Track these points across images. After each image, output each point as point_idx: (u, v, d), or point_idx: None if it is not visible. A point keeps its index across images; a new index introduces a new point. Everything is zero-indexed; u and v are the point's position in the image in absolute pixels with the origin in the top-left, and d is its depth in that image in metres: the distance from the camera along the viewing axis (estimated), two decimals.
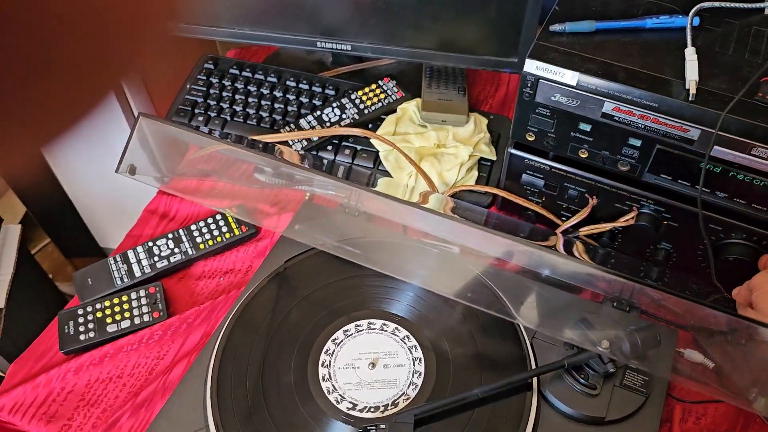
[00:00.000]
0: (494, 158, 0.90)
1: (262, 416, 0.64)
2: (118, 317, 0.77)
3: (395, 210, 0.85)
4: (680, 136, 0.64)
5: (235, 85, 0.98)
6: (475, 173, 0.89)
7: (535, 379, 0.66)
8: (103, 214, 1.31)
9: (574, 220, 0.78)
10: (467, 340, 0.70)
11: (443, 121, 0.92)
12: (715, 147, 0.63)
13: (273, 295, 0.73)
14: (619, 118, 0.66)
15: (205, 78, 0.99)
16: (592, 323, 0.67)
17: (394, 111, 0.95)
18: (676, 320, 0.73)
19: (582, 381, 0.65)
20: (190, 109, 0.96)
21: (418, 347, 0.68)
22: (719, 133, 0.61)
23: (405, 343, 0.69)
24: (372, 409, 0.64)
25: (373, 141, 0.91)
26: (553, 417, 0.65)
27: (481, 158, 0.90)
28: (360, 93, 0.97)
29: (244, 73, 0.99)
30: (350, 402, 0.65)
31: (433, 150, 0.90)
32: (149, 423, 0.70)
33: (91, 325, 0.76)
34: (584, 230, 0.78)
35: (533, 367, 0.68)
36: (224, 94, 0.97)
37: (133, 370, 0.74)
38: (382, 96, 0.97)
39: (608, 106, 0.66)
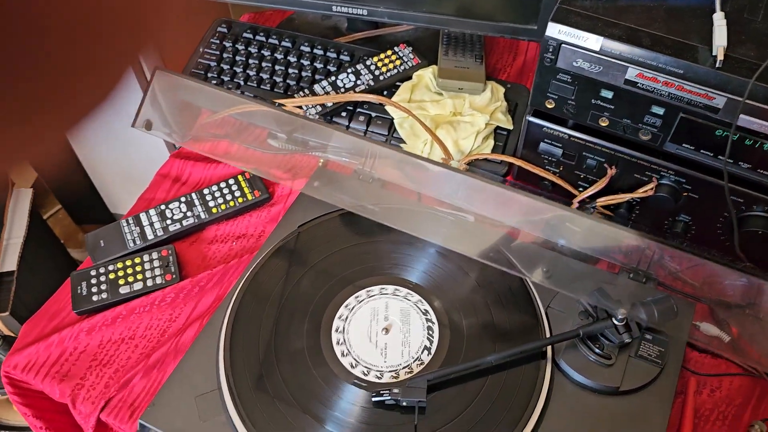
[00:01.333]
0: (511, 127, 0.89)
1: (274, 379, 0.64)
2: (130, 279, 0.76)
3: (410, 177, 0.85)
4: (705, 104, 0.63)
5: (249, 49, 0.96)
6: (491, 142, 0.87)
7: (549, 348, 0.66)
8: (115, 180, 1.31)
9: (591, 190, 0.77)
10: (481, 308, 0.69)
11: (460, 89, 0.90)
12: (741, 116, 0.61)
13: (285, 261, 0.73)
14: (643, 84, 0.64)
15: (218, 42, 0.97)
16: (609, 293, 0.66)
17: (410, 78, 0.94)
18: (694, 293, 0.72)
19: (597, 351, 0.65)
20: (203, 72, 0.95)
21: (432, 313, 0.68)
22: (747, 101, 0.60)
23: (418, 308, 0.68)
24: (385, 374, 0.64)
25: (387, 108, 0.90)
26: (567, 386, 0.65)
27: (498, 127, 0.89)
28: (375, 59, 0.96)
29: (257, 38, 0.98)
30: (364, 367, 0.64)
31: (449, 118, 0.89)
32: (161, 383, 0.70)
33: (103, 286, 0.76)
34: (601, 201, 0.77)
35: (547, 336, 0.67)
36: (237, 58, 0.96)
37: (145, 332, 0.74)
38: (398, 62, 0.95)
39: (632, 72, 0.64)
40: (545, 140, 0.78)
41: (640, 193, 0.75)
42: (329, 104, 0.89)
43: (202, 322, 0.74)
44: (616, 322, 0.64)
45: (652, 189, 0.74)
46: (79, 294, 0.75)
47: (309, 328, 0.67)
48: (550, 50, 0.67)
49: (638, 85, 0.65)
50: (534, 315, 0.68)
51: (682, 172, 0.71)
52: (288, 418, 0.61)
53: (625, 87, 0.66)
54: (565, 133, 0.75)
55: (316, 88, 0.92)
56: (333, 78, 0.93)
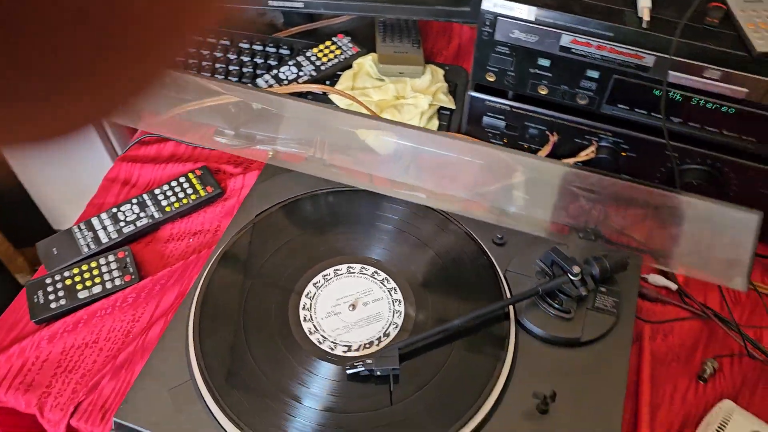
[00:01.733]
0: (453, 107, 0.91)
1: (246, 364, 0.64)
2: (88, 283, 0.75)
3: (361, 162, 0.86)
4: (636, 64, 0.67)
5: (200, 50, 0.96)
6: (435, 122, 0.90)
7: (511, 309, 0.68)
8: (57, 195, 1.27)
9: (543, 152, 0.80)
10: (443, 278, 0.71)
11: (400, 73, 0.93)
12: (670, 72, 0.66)
13: (246, 250, 0.73)
14: (577, 50, 0.68)
15: None
16: (563, 252, 0.69)
17: (350, 67, 0.96)
18: (639, 247, 0.76)
19: (556, 306, 0.68)
20: None
21: (397, 289, 0.70)
22: (674, 58, 0.64)
23: (383, 285, 0.70)
24: (355, 349, 0.65)
25: (331, 96, 0.91)
26: (532, 343, 0.67)
27: (441, 108, 0.91)
28: (315, 50, 0.97)
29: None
30: (333, 342, 0.65)
31: (392, 102, 0.91)
32: (131, 383, 0.69)
33: (61, 293, 0.74)
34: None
35: (508, 297, 0.70)
36: None
37: (109, 334, 0.73)
38: (338, 52, 0.97)
39: (566, 39, 0.68)
40: (488, 114, 0.81)
41: (582, 157, 0.79)
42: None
43: (167, 318, 0.74)
44: (572, 278, 0.67)
45: (593, 152, 0.78)
46: (36, 303, 0.74)
47: (276, 309, 0.68)
48: (487, 24, 0.70)
49: (572, 50, 0.68)
50: (494, 279, 0.71)
51: (618, 132, 0.75)
52: (265, 400, 0.62)
53: (560, 54, 0.69)
54: (506, 105, 0.78)
55: (259, 81, 0.93)
56: (275, 71, 0.94)
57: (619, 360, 0.66)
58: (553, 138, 0.79)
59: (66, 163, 1.14)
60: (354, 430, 0.60)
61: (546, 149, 0.80)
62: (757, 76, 0.63)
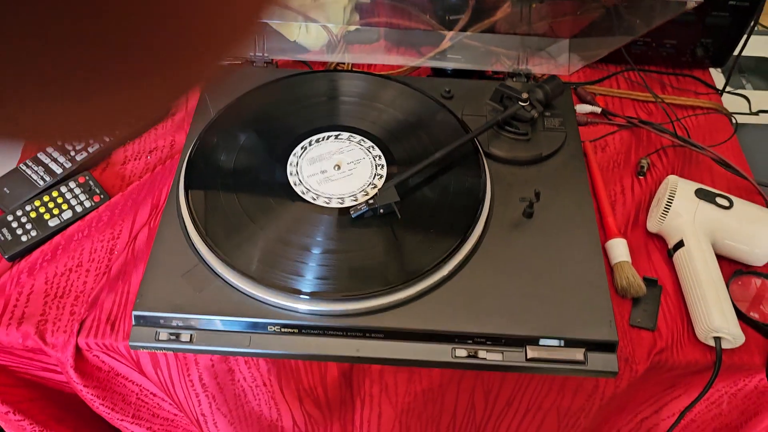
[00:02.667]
0: (368, 0, 0.96)
1: (251, 232, 0.66)
2: (56, 211, 0.72)
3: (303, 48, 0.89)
4: None
5: None
6: (356, 15, 0.94)
7: (477, 142, 0.75)
8: None
9: (461, 24, 0.88)
10: (411, 132, 0.76)
11: None
12: None
13: (222, 135, 0.74)
14: None
15: None
16: (508, 85, 0.77)
17: None
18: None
19: (514, 131, 0.75)
20: None
21: (374, 146, 0.74)
22: None
23: (361, 145, 0.74)
24: (347, 200, 0.69)
25: None
26: (503, 168, 0.74)
27: (357, 2, 0.96)
28: None
29: None
30: (327, 197, 0.69)
31: (313, 4, 0.94)
32: (130, 293, 0.69)
33: (29, 226, 0.71)
34: (473, 29, 0.88)
35: None
36: None
37: (92, 255, 0.71)
38: None
39: None
40: None
41: (500, 15, 0.87)
42: None
43: (150, 226, 0.73)
44: (522, 104, 0.75)
45: (507, 8, 0.86)
46: (4, 240, 0.70)
47: (266, 177, 0.70)
48: None
49: None
50: (455, 124, 0.77)
51: None
52: (281, 258, 0.64)
53: None
54: None
55: None
56: None
57: (576, 165, 0.75)
58: (472, 2, 0.86)
59: None
60: (366, 265, 0.64)
61: (468, 14, 0.87)
62: None
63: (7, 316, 0.67)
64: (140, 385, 0.73)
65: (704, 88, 0.91)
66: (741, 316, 0.68)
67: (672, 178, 0.74)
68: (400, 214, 0.67)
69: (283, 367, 0.69)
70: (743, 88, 1.07)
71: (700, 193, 0.71)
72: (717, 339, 0.65)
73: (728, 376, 0.72)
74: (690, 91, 0.91)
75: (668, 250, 0.73)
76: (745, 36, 0.85)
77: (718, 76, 0.96)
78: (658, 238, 0.75)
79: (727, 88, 0.96)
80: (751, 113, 0.97)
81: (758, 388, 0.71)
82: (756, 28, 1.22)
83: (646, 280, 0.71)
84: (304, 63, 0.90)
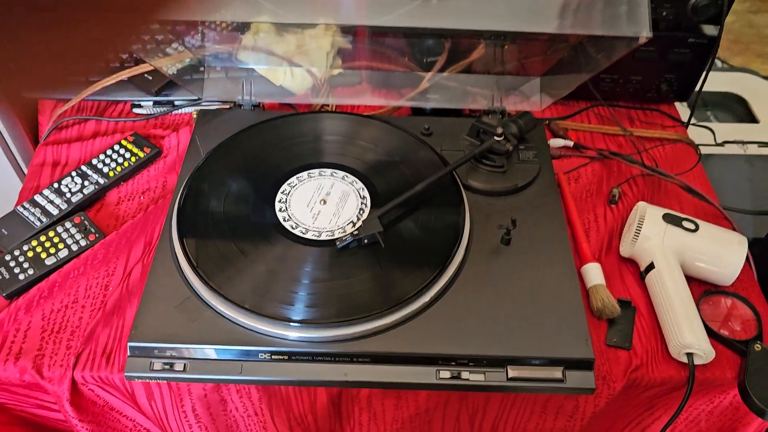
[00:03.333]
0: (350, 46, 1.01)
1: (242, 265, 0.69)
2: (52, 250, 0.75)
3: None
4: None
5: None
6: (339, 60, 1.00)
7: (457, 177, 0.79)
8: None
9: (438, 66, 0.93)
10: (394, 167, 0.80)
11: (297, 25, 1.01)
12: None
13: (209, 176, 0.77)
14: None
15: None
16: (484, 121, 0.81)
17: (248, 29, 1.02)
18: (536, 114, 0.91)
19: (491, 164, 0.80)
20: None
21: (357, 180, 0.77)
22: None
23: (345, 180, 0.78)
24: (339, 229, 0.72)
25: (240, 56, 0.98)
26: (481, 199, 0.78)
27: (340, 48, 1.01)
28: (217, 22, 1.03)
29: None
30: (317, 231, 0.72)
31: (297, 51, 0.99)
32: (125, 327, 0.71)
33: (26, 265, 0.74)
34: (450, 70, 0.93)
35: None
36: None
37: (87, 292, 0.74)
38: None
39: None
40: None
41: (474, 56, 0.92)
42: (187, 61, 0.95)
43: (144, 263, 0.76)
44: (497, 138, 0.79)
45: (482, 48, 0.91)
46: (2, 279, 0.72)
47: (255, 212, 0.73)
48: None
49: None
50: (435, 159, 0.81)
51: (500, 31, 0.89)
52: (270, 288, 0.67)
53: None
54: (402, 27, 0.90)
55: (169, 50, 0.97)
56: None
57: (551, 195, 0.79)
58: (447, 44, 0.91)
59: None
60: (353, 293, 0.67)
61: (444, 56, 0.92)
62: None
63: (4, 352, 0.69)
64: (134, 420, 0.75)
65: (670, 121, 0.96)
66: (711, 333, 0.71)
67: (641, 205, 0.78)
68: (384, 244, 0.71)
69: (274, 395, 0.71)
70: (709, 121, 1.13)
71: (668, 218, 0.75)
72: (689, 355, 0.68)
73: (704, 394, 0.74)
74: (657, 124, 0.96)
75: (640, 272, 0.77)
76: (705, 72, 0.90)
77: (684, 110, 1.01)
78: (631, 262, 0.79)
79: (693, 121, 1.02)
80: (717, 144, 1.03)
81: (733, 404, 0.74)
82: (721, 66, 1.29)
83: (620, 301, 0.74)
84: (290, 106, 0.94)
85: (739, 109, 1.16)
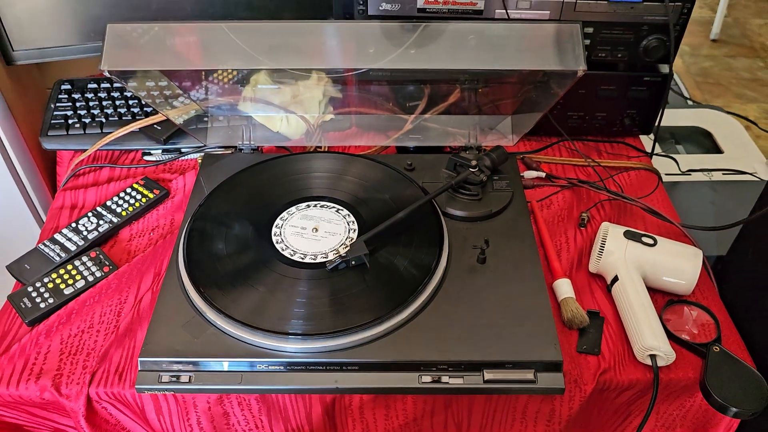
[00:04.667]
0: (341, 95, 1.11)
1: (239, 284, 0.76)
2: (70, 281, 0.83)
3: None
4: (473, 10, 0.91)
5: (99, 95, 1.08)
6: (330, 107, 1.09)
7: (436, 206, 0.87)
8: None
9: (419, 109, 1.02)
10: (379, 198, 0.88)
11: (291, 77, 1.12)
12: (497, 10, 0.91)
13: (213, 210, 0.85)
14: (430, 9, 0.92)
15: (67, 96, 1.08)
16: (460, 155, 0.90)
17: (248, 82, 1.13)
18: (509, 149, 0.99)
19: (467, 193, 0.88)
20: (63, 121, 1.04)
21: (345, 210, 0.86)
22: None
23: (334, 210, 0.86)
24: (327, 254, 0.80)
25: (240, 107, 1.08)
26: (459, 224, 0.86)
27: (331, 97, 1.11)
28: (216, 75, 1.13)
29: (102, 86, 1.10)
30: (313, 255, 0.80)
31: (292, 100, 1.09)
32: (136, 347, 0.78)
33: (46, 294, 0.81)
34: (430, 112, 1.02)
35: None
36: (91, 104, 1.07)
37: (102, 318, 0.81)
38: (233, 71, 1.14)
39: (420, 1, 0.91)
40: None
41: (452, 99, 1.01)
42: (192, 111, 1.04)
43: (153, 290, 0.83)
44: (472, 170, 0.88)
45: (458, 92, 1.01)
46: (25, 308, 0.80)
47: (254, 241, 0.81)
48: (361, 3, 0.92)
49: (427, 10, 0.92)
50: (416, 190, 0.89)
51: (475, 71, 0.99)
52: (268, 306, 0.74)
53: (419, 14, 0.92)
54: (387, 70, 0.99)
55: (176, 102, 1.06)
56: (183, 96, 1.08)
57: (522, 219, 0.87)
58: (427, 90, 1.01)
59: None
60: (342, 309, 0.74)
61: (424, 100, 1.01)
62: None
63: (26, 373, 0.75)
64: None
65: (635, 152, 1.05)
66: (673, 337, 0.78)
67: (604, 224, 0.86)
68: (370, 265, 0.78)
69: (272, 406, 0.77)
70: (677, 152, 1.21)
71: (628, 234, 0.83)
72: (652, 357, 0.75)
73: (674, 399, 0.80)
74: (623, 155, 1.05)
75: (607, 285, 0.83)
76: (661, 106, 0.99)
77: (650, 143, 1.10)
78: (599, 278, 0.86)
79: (657, 151, 1.10)
80: (682, 173, 1.11)
81: (702, 406, 0.80)
82: (690, 103, 1.39)
83: (589, 312, 0.80)
84: (286, 149, 1.03)
85: (705, 142, 1.24)
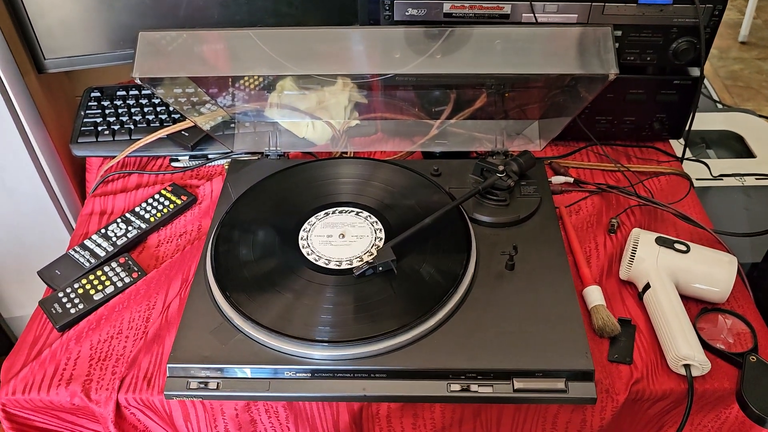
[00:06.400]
0: (366, 101, 1.11)
1: (267, 291, 0.76)
2: (100, 287, 0.83)
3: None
4: (499, 14, 0.91)
5: (127, 102, 1.09)
6: (356, 113, 1.09)
7: (463, 211, 0.86)
8: (6, 277, 1.28)
9: (445, 114, 1.01)
10: (406, 204, 0.88)
11: (318, 84, 1.12)
12: (524, 14, 0.90)
13: (239, 216, 0.86)
14: (456, 14, 0.91)
15: (96, 104, 1.09)
16: (487, 159, 0.89)
17: (274, 88, 1.13)
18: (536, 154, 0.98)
19: (495, 199, 0.87)
20: (93, 128, 1.05)
21: (373, 216, 0.85)
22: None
23: (362, 217, 0.85)
24: (353, 261, 0.79)
25: (266, 113, 1.08)
26: (487, 230, 0.85)
27: (356, 102, 1.11)
28: (242, 81, 1.14)
29: (131, 93, 1.11)
30: (338, 261, 0.79)
31: (317, 106, 1.09)
32: (164, 353, 0.78)
33: (76, 300, 0.82)
34: (456, 117, 1.01)
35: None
36: (120, 111, 1.08)
37: (131, 324, 0.81)
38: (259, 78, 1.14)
39: (446, 6, 0.90)
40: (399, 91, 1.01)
41: (478, 104, 1.01)
42: (219, 119, 1.05)
43: (181, 296, 0.83)
44: (499, 175, 0.87)
45: (484, 99, 1.00)
46: (56, 313, 0.81)
47: (281, 247, 0.81)
48: (387, 8, 0.91)
49: (453, 15, 0.91)
50: (443, 196, 0.88)
51: (501, 75, 0.98)
52: (295, 312, 0.74)
53: (445, 19, 0.92)
54: (412, 75, 0.99)
55: (203, 109, 1.07)
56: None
57: (551, 225, 0.86)
58: (453, 95, 1.00)
59: (19, 241, 1.18)
60: (370, 315, 0.74)
61: (450, 106, 1.01)
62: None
63: (57, 378, 0.76)
64: None
65: (665, 156, 1.03)
66: (708, 347, 0.76)
67: (635, 231, 0.84)
68: (397, 271, 0.78)
69: (299, 414, 0.76)
70: (708, 157, 1.19)
71: (660, 241, 0.81)
72: (686, 366, 0.73)
73: (710, 410, 0.78)
74: (653, 160, 1.03)
75: (638, 293, 0.82)
76: (692, 110, 0.97)
77: (680, 147, 1.08)
78: (630, 285, 0.84)
79: (690, 157, 1.08)
80: (713, 178, 1.09)
81: (738, 417, 0.77)
82: (721, 107, 1.36)
83: (620, 320, 0.79)
84: (312, 155, 1.03)
85: (737, 146, 1.22)
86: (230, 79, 0.98)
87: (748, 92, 2.48)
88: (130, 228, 0.91)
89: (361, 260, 0.79)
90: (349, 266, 0.79)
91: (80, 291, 0.83)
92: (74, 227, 1.14)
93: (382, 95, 1.06)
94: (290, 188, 0.91)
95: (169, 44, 0.79)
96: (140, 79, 0.73)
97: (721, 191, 1.07)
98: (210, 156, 1.04)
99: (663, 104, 0.99)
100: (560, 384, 0.70)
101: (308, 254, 0.81)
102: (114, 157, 1.03)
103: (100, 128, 1.05)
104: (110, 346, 0.79)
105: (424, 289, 0.77)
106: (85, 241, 0.89)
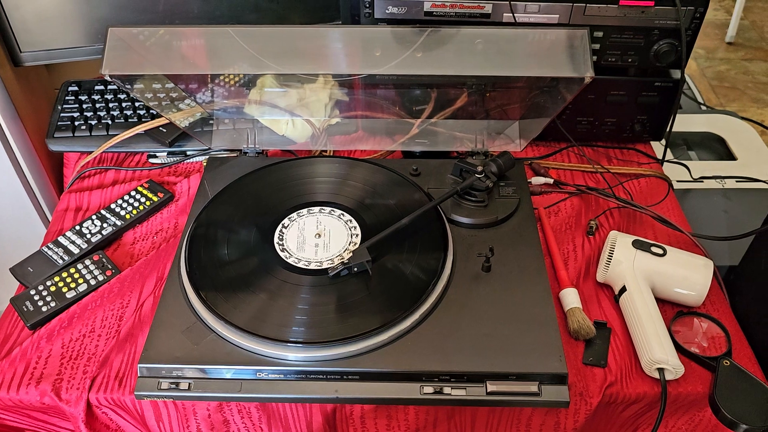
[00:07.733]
0: (347, 99, 1.10)
1: (240, 290, 0.75)
2: (72, 285, 0.82)
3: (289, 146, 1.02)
4: (480, 14, 0.90)
5: (105, 96, 1.08)
6: (337, 110, 1.08)
7: (441, 212, 0.85)
8: None
9: (426, 113, 1.01)
10: (383, 204, 0.87)
11: (298, 81, 1.11)
12: (505, 14, 0.89)
13: (215, 214, 0.85)
14: (437, 12, 0.90)
15: (74, 98, 1.07)
16: (466, 160, 0.89)
17: (254, 85, 1.12)
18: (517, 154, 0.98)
19: (473, 200, 0.86)
20: (69, 123, 1.04)
21: (348, 215, 0.85)
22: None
23: (337, 216, 0.85)
24: (327, 262, 0.79)
25: (246, 110, 1.07)
26: (465, 231, 0.85)
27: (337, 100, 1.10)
28: (221, 78, 1.13)
29: (109, 87, 1.10)
30: (319, 262, 0.79)
31: (298, 103, 1.08)
32: (137, 353, 0.77)
33: (48, 298, 0.81)
34: (437, 116, 1.01)
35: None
36: (97, 105, 1.07)
37: (103, 323, 0.80)
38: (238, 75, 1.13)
39: (427, 5, 0.90)
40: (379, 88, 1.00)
41: (459, 104, 1.00)
42: (198, 114, 1.04)
43: (155, 295, 0.82)
44: (478, 176, 0.86)
45: (465, 97, 0.99)
46: (27, 311, 0.80)
47: (256, 245, 0.80)
48: (367, 6, 0.90)
49: (434, 13, 0.90)
50: (421, 196, 0.88)
51: (482, 76, 0.97)
52: (269, 313, 0.73)
53: (426, 18, 0.91)
54: (392, 75, 0.98)
55: (181, 105, 1.06)
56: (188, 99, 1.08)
57: (529, 227, 0.85)
58: (434, 94, 1.00)
59: None
60: (344, 316, 0.73)
61: (430, 105, 1.00)
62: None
63: (27, 377, 0.75)
64: None
65: (645, 158, 1.03)
66: (682, 350, 0.76)
67: (612, 233, 0.84)
68: (373, 272, 0.77)
69: (273, 414, 0.76)
70: (690, 159, 1.19)
71: (637, 244, 0.81)
72: (660, 370, 0.73)
73: (684, 413, 0.78)
74: (633, 161, 1.03)
75: (615, 295, 0.82)
76: (673, 112, 0.97)
77: (661, 149, 1.08)
78: (607, 287, 0.84)
79: (670, 158, 1.08)
80: (694, 180, 1.09)
81: (712, 420, 0.78)
82: (701, 107, 1.36)
83: (596, 323, 0.79)
84: (292, 153, 1.03)
85: (718, 148, 1.22)
86: (209, 77, 0.96)
87: (733, 93, 2.49)
88: (105, 225, 0.90)
89: (338, 260, 0.79)
90: (326, 266, 0.78)
91: (53, 289, 0.82)
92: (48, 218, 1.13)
93: (363, 93, 1.05)
94: (268, 187, 0.90)
95: (145, 40, 0.78)
96: (110, 76, 0.72)
97: (702, 194, 1.07)
98: (188, 152, 1.03)
99: (644, 106, 0.99)
100: (533, 387, 0.70)
101: (283, 254, 0.80)
102: (91, 152, 1.02)
103: (77, 123, 1.04)
104: (82, 345, 0.78)
105: (400, 290, 0.76)
106: (58, 238, 0.88)
